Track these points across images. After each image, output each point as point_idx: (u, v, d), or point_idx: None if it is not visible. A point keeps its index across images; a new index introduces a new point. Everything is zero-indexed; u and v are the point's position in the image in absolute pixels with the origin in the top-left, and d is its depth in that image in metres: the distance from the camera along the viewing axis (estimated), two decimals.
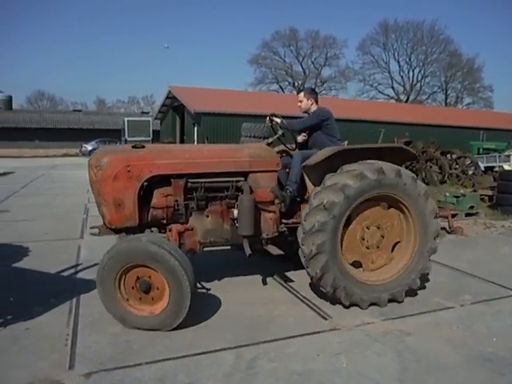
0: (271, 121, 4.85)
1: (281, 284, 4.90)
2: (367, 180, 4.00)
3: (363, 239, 4.27)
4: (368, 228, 4.26)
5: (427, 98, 60.37)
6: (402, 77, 59.71)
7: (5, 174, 18.42)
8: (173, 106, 33.61)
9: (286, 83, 61.32)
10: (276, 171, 4.48)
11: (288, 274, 5.14)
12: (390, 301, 4.27)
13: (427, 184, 13.43)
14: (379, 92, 60.57)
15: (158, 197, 4.17)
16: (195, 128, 28.97)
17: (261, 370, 3.10)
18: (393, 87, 60.13)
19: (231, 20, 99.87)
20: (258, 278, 5.06)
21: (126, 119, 27.51)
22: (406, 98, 58.61)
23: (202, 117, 27.73)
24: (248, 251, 4.26)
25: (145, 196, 4.16)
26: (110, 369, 3.10)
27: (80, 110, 52.33)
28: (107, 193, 3.97)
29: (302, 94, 5.12)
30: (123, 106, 76.56)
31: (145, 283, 3.65)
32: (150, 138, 27.10)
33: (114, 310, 3.72)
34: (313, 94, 5.13)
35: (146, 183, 4.10)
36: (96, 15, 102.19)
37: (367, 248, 4.30)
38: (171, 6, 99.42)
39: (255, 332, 3.67)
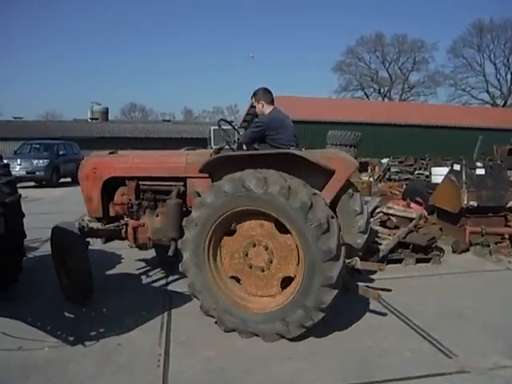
0: (219, 126, 4.84)
1: (387, 307, 4.35)
2: (222, 194, 3.52)
3: (247, 255, 3.70)
4: (254, 246, 3.67)
5: None
6: (498, 80, 55.28)
7: None
8: (257, 115, 33.74)
9: (371, 90, 59.54)
10: None
11: (394, 293, 4.58)
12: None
13: None
14: (472, 97, 56.54)
15: (117, 195, 4.89)
16: None
17: None
18: (488, 91, 55.86)
19: (314, 27, 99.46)
20: (361, 298, 4.54)
21: (211, 128, 27.90)
22: (503, 102, 54.11)
23: None
24: (171, 252, 4.38)
25: (111, 194, 4.89)
26: None
27: (169, 120, 54.73)
28: (83, 189, 4.94)
29: (253, 99, 4.81)
30: (208, 116, 79.09)
31: None
32: (234, 147, 27.25)
33: None
34: (262, 95, 4.70)
35: (109, 183, 4.81)
36: (183, 32, 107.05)
37: (250, 267, 3.70)
38: (254, 15, 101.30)
39: (366, 368, 3.17)
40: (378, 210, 6.81)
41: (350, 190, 4.35)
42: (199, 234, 3.64)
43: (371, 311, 4.26)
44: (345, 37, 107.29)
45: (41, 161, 17.52)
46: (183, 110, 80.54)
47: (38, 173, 17.37)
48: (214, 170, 3.82)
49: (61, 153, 19.03)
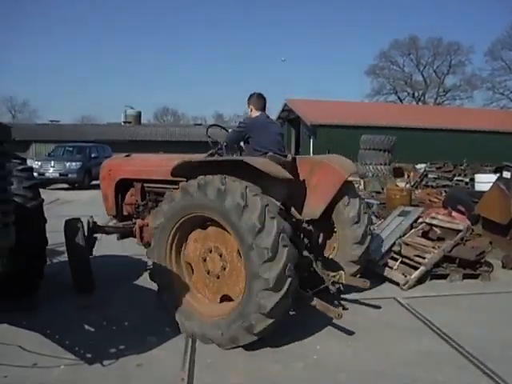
0: (207, 133, 4.77)
1: (433, 330, 3.90)
2: (173, 203, 3.65)
3: (205, 260, 3.68)
4: (210, 251, 3.64)
5: None
6: None
7: None
8: (288, 119, 33.50)
9: (405, 94, 58.17)
10: None
11: (442, 315, 4.13)
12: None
13: None
14: (511, 100, 54.47)
15: (128, 196, 5.26)
16: (311, 140, 28.41)
17: None
18: None
19: (346, 31, 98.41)
20: (407, 322, 4.12)
21: None
22: None
23: (318, 129, 27.09)
24: None
25: (123, 194, 5.29)
26: None
27: (200, 124, 55.02)
28: (102, 189, 5.43)
29: (247, 102, 4.77)
30: (239, 120, 79.11)
31: None
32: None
33: None
34: (253, 100, 4.67)
35: (121, 184, 5.19)
36: (214, 38, 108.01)
37: (207, 272, 3.67)
38: (283, 17, 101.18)
39: None
40: (419, 220, 6.34)
41: (346, 198, 4.46)
42: (162, 238, 3.75)
43: (419, 336, 3.82)
44: (378, 40, 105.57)
45: (73, 163, 17.69)
46: (214, 114, 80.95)
47: (70, 175, 17.54)
48: (189, 173, 3.72)
49: (93, 155, 19.18)
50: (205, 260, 3.66)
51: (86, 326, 4.01)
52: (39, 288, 4.53)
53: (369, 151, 19.33)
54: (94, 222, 5.19)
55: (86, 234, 4.94)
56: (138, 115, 51.95)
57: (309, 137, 28.74)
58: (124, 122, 49.66)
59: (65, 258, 6.14)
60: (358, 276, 4.54)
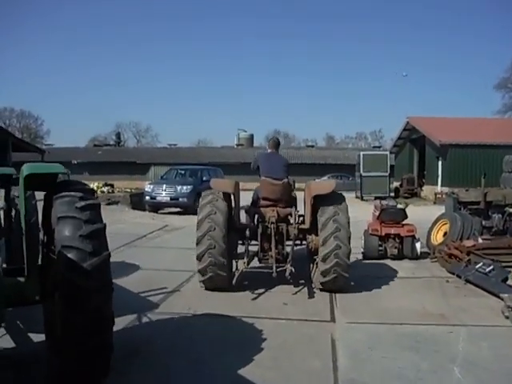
0: None
1: None
2: None
3: None
4: None
5: None
6: None
7: None
8: (410, 139, 30.41)
9: None
10: None
11: None
12: None
13: None
14: None
15: None
16: (439, 162, 25.16)
17: None
18: None
19: (471, 42, 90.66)
20: None
21: (361, 153, 25.49)
22: None
23: (449, 149, 23.81)
24: None
25: None
26: None
27: (313, 146, 53.67)
28: None
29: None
30: (351, 142, 76.48)
31: None
32: (387, 174, 24.44)
33: None
34: (269, 143, 6.94)
35: None
36: (325, 57, 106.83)
37: None
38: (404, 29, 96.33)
39: None
40: None
41: (326, 216, 5.55)
42: None
43: None
44: (508, 52, 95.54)
45: (184, 187, 17.13)
46: (325, 136, 79.29)
47: (181, 199, 16.98)
48: None
49: (204, 178, 18.51)
50: None
51: None
52: (107, 375, 3.06)
53: None
54: None
55: None
56: (251, 138, 52.34)
57: (437, 158, 25.49)
58: (237, 145, 50.21)
59: (161, 315, 4.76)
60: None
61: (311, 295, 5.71)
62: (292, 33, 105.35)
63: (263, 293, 5.78)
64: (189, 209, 16.89)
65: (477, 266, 6.25)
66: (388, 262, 7.81)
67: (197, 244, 5.55)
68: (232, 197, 5.90)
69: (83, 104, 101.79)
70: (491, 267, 6.05)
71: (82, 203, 2.87)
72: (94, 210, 2.93)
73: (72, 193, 2.92)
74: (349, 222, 5.58)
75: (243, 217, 6.59)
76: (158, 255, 8.43)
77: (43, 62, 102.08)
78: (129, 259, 7.62)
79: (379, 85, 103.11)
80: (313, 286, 5.90)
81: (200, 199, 5.78)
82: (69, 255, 2.66)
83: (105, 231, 2.94)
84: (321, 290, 5.72)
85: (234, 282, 5.66)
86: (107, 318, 2.82)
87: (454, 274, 6.62)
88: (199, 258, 5.52)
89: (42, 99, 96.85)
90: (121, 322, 4.51)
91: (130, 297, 5.56)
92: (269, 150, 6.71)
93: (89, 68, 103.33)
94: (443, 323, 4.76)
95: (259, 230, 5.89)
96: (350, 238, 5.54)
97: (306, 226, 6.05)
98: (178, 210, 17.38)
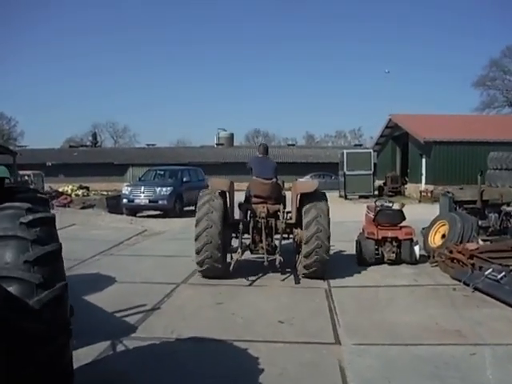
0: None
1: None
2: None
3: None
4: None
5: None
6: None
7: None
8: (393, 136, 30.15)
9: None
10: None
11: None
12: None
13: None
14: None
15: None
16: (423, 159, 24.92)
17: None
18: None
19: (453, 38, 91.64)
20: None
21: (345, 151, 25.02)
22: None
23: (433, 146, 23.56)
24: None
25: None
26: None
27: (293, 145, 53.24)
28: None
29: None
30: (330, 140, 76.42)
31: None
32: (371, 172, 24.08)
33: None
34: (259, 148, 7.74)
35: None
36: (302, 57, 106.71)
37: None
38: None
39: None
40: None
41: (309, 217, 6.28)
42: None
43: None
44: (486, 50, 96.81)
45: (164, 189, 16.24)
46: (305, 135, 79.00)
47: (160, 201, 16.10)
48: None
49: (185, 179, 17.75)
50: None
51: None
52: None
53: (499, 171, 16.00)
54: None
55: None
56: (231, 137, 51.53)
57: (420, 155, 25.25)
58: (217, 144, 49.39)
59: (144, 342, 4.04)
60: None
61: (297, 281, 6.44)
62: (268, 34, 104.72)
63: (257, 283, 6.43)
64: (169, 212, 16.12)
65: (486, 273, 5.73)
66: (386, 267, 7.27)
67: (195, 239, 6.20)
68: (227, 194, 6.64)
69: (58, 105, 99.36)
70: (503, 273, 5.53)
71: (30, 217, 2.17)
72: (46, 226, 2.23)
73: (17, 203, 2.23)
74: (329, 223, 6.29)
75: (237, 212, 7.29)
76: (137, 265, 7.70)
77: (16, 62, 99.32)
78: (104, 270, 6.86)
79: (357, 83, 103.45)
80: (297, 273, 6.62)
81: (198, 198, 6.50)
82: (9, 289, 1.97)
83: (60, 254, 2.25)
84: (303, 276, 6.50)
85: (231, 269, 6.29)
86: (63, 372, 2.11)
87: (459, 280, 6.10)
88: (198, 251, 6.20)
89: (16, 100, 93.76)
90: (92, 352, 3.86)
91: (104, 317, 4.86)
92: (260, 155, 7.53)
93: (65, 66, 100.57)
94: (462, 342, 4.20)
95: (251, 224, 6.72)
96: (329, 237, 6.28)
97: (293, 221, 6.89)
98: (157, 212, 16.58)
